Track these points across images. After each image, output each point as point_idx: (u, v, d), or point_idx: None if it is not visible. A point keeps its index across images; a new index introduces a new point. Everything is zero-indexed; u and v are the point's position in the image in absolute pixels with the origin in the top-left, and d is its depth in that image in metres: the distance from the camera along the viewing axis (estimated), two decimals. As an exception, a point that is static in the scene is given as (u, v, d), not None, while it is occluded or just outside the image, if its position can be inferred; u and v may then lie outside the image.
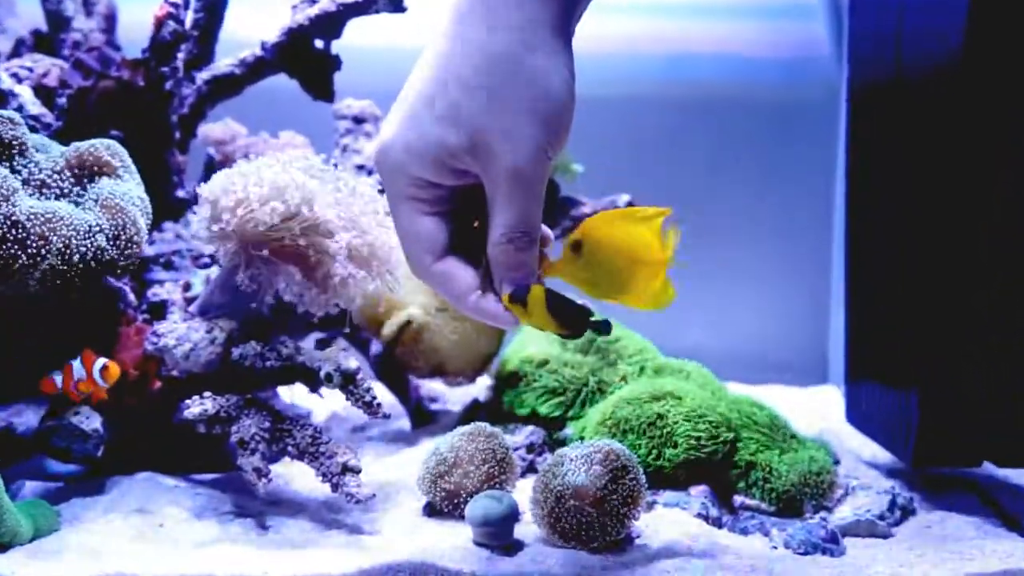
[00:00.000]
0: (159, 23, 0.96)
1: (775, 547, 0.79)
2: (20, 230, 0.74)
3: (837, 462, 0.97)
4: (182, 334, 0.83)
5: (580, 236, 0.64)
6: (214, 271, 0.91)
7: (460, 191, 0.63)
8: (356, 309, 0.89)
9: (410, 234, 0.63)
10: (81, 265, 0.77)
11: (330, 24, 1.04)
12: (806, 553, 0.77)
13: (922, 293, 0.87)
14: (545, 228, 0.64)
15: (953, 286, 0.84)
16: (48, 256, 0.76)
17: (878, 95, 0.97)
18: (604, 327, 0.64)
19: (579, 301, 0.65)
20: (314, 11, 1.04)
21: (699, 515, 0.83)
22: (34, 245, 0.75)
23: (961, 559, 0.75)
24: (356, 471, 0.78)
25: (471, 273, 0.63)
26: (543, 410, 0.98)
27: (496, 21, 0.59)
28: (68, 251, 0.77)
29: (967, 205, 0.83)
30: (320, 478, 0.79)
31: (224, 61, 1.07)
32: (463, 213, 0.64)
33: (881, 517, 0.84)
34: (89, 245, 0.78)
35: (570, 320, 0.62)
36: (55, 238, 0.76)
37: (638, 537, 0.78)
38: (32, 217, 0.75)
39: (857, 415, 1.05)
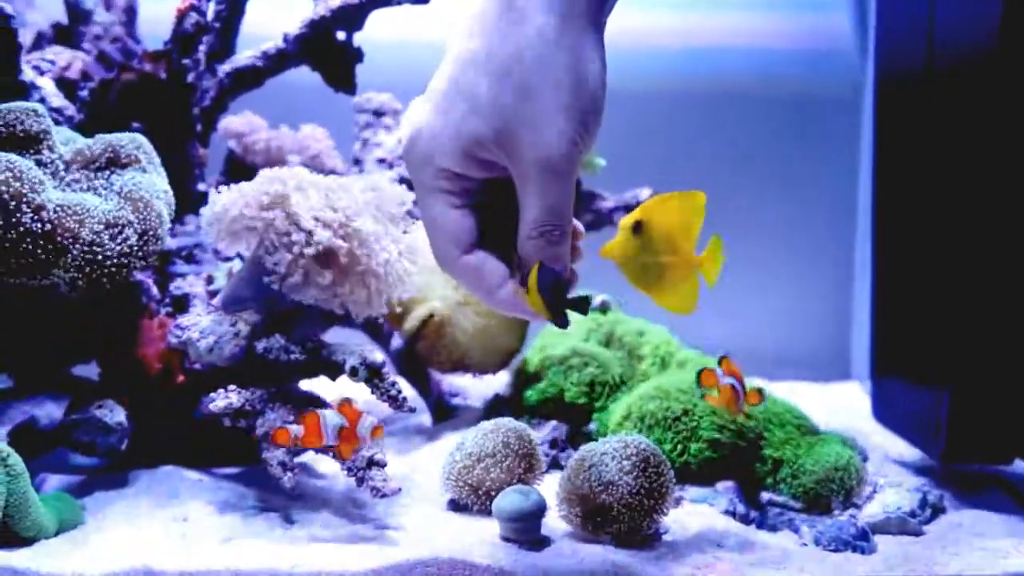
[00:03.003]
0: (181, 15, 0.95)
1: (805, 544, 0.78)
2: (47, 223, 0.74)
3: (865, 459, 0.96)
4: (206, 327, 0.83)
5: (642, 217, 0.64)
6: (237, 264, 0.90)
7: (489, 183, 0.62)
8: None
9: (437, 226, 0.62)
10: (108, 257, 0.77)
11: (352, 16, 1.04)
12: (836, 550, 0.76)
13: (952, 287, 0.86)
14: (576, 222, 0.63)
15: (985, 280, 0.83)
16: (75, 248, 0.75)
17: (908, 86, 0.96)
18: (581, 304, 0.61)
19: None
20: (336, 3, 1.03)
21: (727, 511, 0.83)
22: (61, 237, 0.74)
23: (996, 557, 0.74)
24: (382, 465, 0.78)
25: (499, 266, 0.62)
26: (568, 395, 0.97)
27: (527, 10, 0.58)
28: (95, 243, 0.76)
29: (1001, 198, 0.81)
30: (345, 472, 0.78)
31: (246, 53, 1.06)
32: (492, 206, 0.63)
33: (912, 514, 0.82)
34: (115, 237, 0.78)
35: (553, 299, 0.60)
36: (82, 230, 0.75)
37: (666, 533, 0.77)
38: (59, 209, 0.75)
39: (884, 411, 1.04)
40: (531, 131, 0.58)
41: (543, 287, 0.60)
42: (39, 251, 0.74)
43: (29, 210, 0.73)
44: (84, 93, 0.96)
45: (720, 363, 0.80)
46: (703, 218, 0.65)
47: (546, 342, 1.04)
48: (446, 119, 0.60)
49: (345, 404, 0.73)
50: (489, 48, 0.58)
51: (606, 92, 0.59)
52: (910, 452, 1.00)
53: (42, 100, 0.92)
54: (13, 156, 0.75)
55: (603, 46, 0.60)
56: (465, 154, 0.60)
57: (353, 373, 0.79)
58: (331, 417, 0.71)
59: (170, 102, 0.97)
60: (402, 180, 1.12)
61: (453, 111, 0.59)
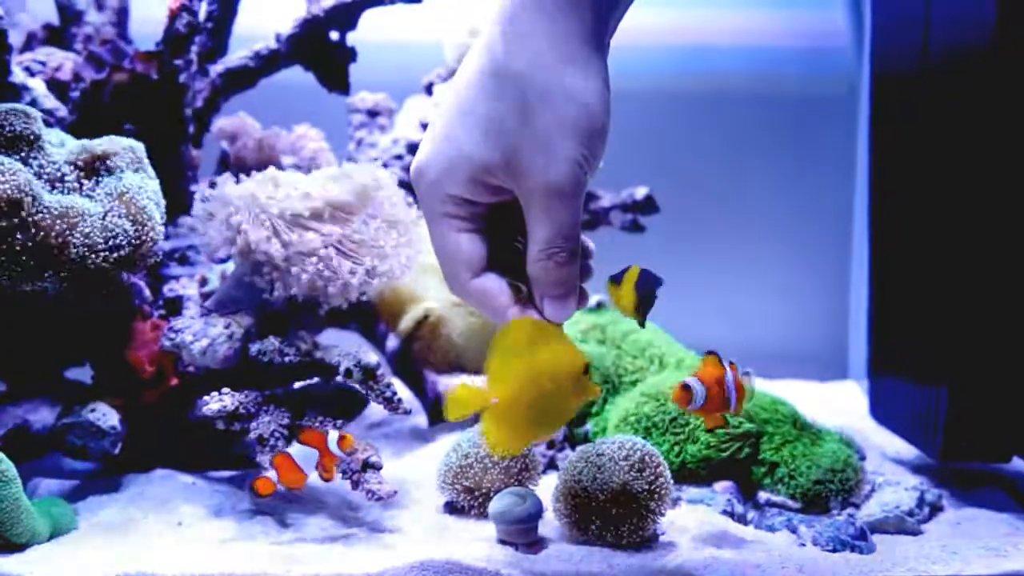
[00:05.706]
0: (173, 15, 0.95)
1: (803, 544, 0.77)
2: (40, 226, 0.73)
3: (863, 458, 0.95)
4: (199, 330, 0.82)
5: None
6: (230, 266, 0.90)
7: (498, 207, 0.63)
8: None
9: (447, 251, 0.63)
10: (100, 260, 0.76)
11: (346, 15, 1.03)
12: (835, 550, 0.76)
13: (950, 285, 0.85)
14: (586, 240, 0.63)
15: (982, 278, 0.82)
16: (67, 252, 0.74)
17: (903, 83, 0.96)
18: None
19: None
20: (329, 2, 1.03)
21: (724, 512, 0.82)
22: (53, 241, 0.74)
23: (995, 556, 0.74)
24: (377, 468, 0.77)
25: (507, 288, 0.63)
26: None
27: (531, 35, 0.58)
28: (87, 246, 0.75)
29: (997, 195, 0.81)
30: (340, 475, 0.78)
31: (238, 54, 1.06)
32: (501, 228, 0.64)
33: (910, 513, 0.82)
34: (108, 241, 0.77)
35: (644, 304, 0.66)
36: (75, 233, 0.75)
37: (663, 534, 0.77)
38: (50, 212, 0.74)
39: (881, 410, 1.03)
40: (537, 155, 0.58)
41: (642, 289, 0.65)
42: (31, 255, 0.73)
43: (21, 213, 0.73)
44: (76, 94, 0.96)
45: (704, 363, 0.72)
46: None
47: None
48: (453, 146, 0.60)
49: (307, 432, 0.74)
50: (494, 74, 0.59)
51: (610, 113, 0.60)
52: (908, 451, 1.00)
53: (33, 102, 0.92)
54: (3, 158, 0.74)
55: (606, 68, 0.60)
56: (473, 180, 0.60)
57: (348, 375, 0.79)
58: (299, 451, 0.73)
59: (162, 103, 0.97)
60: (401, 184, 1.12)
61: (460, 138, 0.60)
